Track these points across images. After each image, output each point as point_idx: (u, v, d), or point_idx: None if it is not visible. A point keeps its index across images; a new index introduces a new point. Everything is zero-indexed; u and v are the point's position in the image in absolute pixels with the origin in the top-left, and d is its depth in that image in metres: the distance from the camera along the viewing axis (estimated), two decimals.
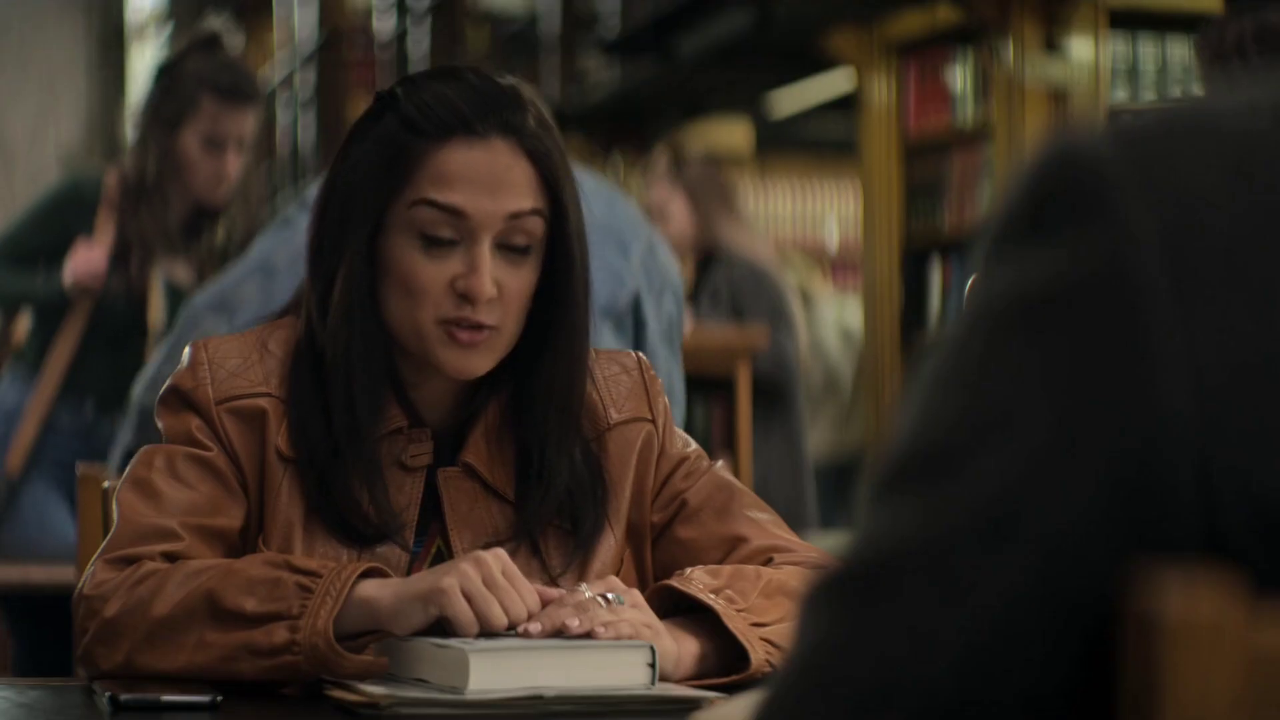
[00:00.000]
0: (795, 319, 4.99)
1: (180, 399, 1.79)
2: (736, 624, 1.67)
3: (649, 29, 6.80)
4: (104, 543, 1.75)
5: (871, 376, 5.89)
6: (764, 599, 1.72)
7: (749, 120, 8.43)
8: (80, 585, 1.72)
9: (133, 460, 1.79)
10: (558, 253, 1.78)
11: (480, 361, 1.76)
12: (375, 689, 1.55)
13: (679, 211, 5.08)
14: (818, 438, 5.77)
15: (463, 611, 1.60)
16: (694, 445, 1.89)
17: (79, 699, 1.66)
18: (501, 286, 1.75)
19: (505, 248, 1.76)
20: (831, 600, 0.76)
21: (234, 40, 3.99)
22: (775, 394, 4.82)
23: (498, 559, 1.64)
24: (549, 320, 1.79)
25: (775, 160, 9.73)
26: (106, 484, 2.15)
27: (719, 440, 4.13)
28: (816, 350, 6.38)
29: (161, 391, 1.81)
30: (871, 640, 0.73)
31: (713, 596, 1.70)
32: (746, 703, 1.24)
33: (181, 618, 1.66)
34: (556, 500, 1.79)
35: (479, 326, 1.74)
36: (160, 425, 1.80)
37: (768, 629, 1.69)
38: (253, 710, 1.61)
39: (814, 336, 6.03)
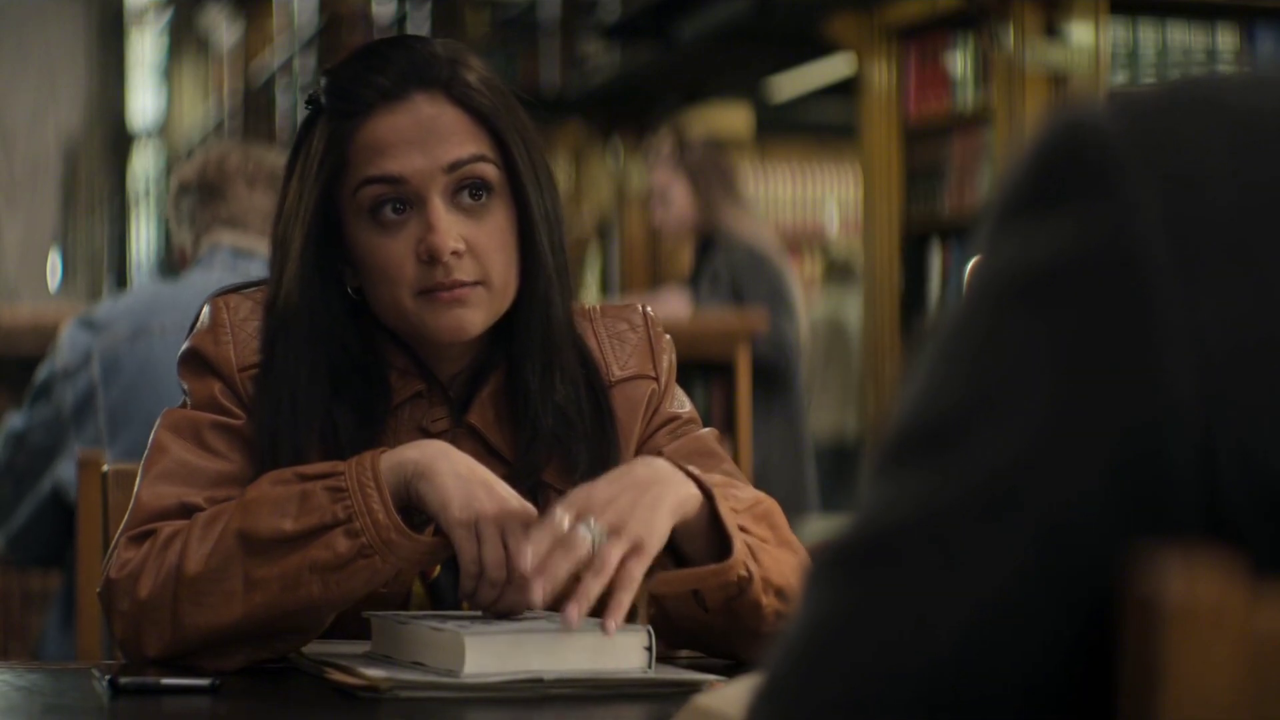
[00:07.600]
0: (795, 302, 4.99)
1: (202, 361, 1.77)
2: (726, 514, 1.64)
3: (649, 13, 6.79)
4: (125, 519, 1.71)
5: (871, 360, 5.88)
6: (752, 518, 1.69)
7: (749, 104, 8.42)
8: (105, 569, 1.69)
9: (156, 424, 1.76)
10: (515, 198, 1.75)
11: (470, 317, 1.72)
12: (374, 672, 1.55)
13: (680, 195, 5.08)
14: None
15: (468, 550, 1.60)
16: (689, 408, 1.87)
17: (78, 683, 1.64)
18: (469, 240, 1.71)
19: (461, 200, 1.73)
20: (834, 576, 0.75)
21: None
22: (775, 377, 4.82)
23: (523, 520, 1.61)
24: (521, 268, 1.75)
25: (775, 144, 9.73)
26: (106, 468, 2.14)
27: (719, 424, 4.12)
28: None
29: (182, 351, 1.79)
30: (872, 620, 0.73)
31: (708, 478, 1.67)
32: (746, 685, 1.23)
33: (219, 566, 1.62)
34: (546, 447, 1.76)
35: (457, 285, 1.70)
36: (184, 386, 1.78)
37: (751, 538, 1.66)
38: (252, 693, 1.60)
39: None
